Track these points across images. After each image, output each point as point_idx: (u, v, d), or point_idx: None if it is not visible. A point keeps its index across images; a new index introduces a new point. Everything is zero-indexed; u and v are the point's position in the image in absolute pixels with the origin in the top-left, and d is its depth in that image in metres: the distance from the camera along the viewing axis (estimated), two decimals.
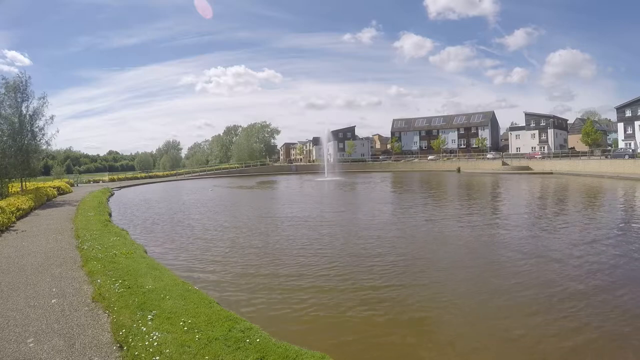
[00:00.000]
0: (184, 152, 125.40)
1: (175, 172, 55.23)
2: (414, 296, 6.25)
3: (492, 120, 75.58)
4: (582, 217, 13.78)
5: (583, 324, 5.11)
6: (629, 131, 52.47)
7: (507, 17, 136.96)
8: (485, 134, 74.11)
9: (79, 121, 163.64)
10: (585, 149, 55.17)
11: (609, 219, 13.17)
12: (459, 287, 6.64)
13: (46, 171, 50.46)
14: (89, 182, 40.18)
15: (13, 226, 12.05)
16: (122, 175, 49.34)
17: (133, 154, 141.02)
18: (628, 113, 52.83)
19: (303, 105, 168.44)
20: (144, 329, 4.17)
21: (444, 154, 70.10)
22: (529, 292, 6.24)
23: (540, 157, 53.07)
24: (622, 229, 11.42)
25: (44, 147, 20.96)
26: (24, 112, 19.34)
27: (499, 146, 76.21)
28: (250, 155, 77.90)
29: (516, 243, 9.68)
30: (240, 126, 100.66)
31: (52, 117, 20.39)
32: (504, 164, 48.29)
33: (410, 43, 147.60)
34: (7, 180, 18.16)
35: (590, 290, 6.27)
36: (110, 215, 15.30)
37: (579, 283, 6.56)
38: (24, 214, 14.33)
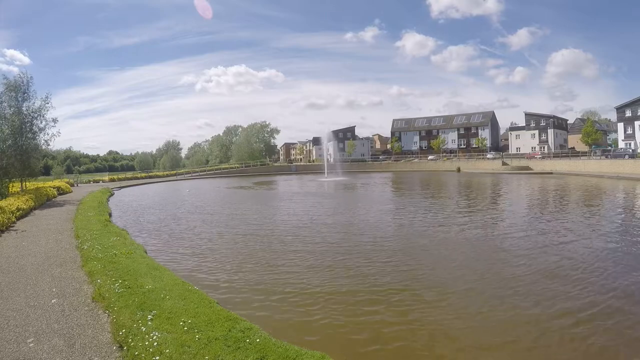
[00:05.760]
0: (184, 152, 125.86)
1: (175, 172, 55.24)
2: (417, 298, 6.21)
3: (492, 120, 75.64)
4: (588, 219, 13.71)
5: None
6: (629, 131, 52.53)
7: (511, 16, 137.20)
8: (485, 134, 74.16)
9: (79, 121, 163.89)
10: (586, 149, 55.19)
11: (614, 221, 13.10)
12: (464, 290, 6.52)
13: (46, 171, 50.62)
14: (89, 182, 40.17)
15: (13, 226, 12.05)
16: (122, 175, 49.34)
17: (133, 154, 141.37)
18: (628, 113, 52.89)
19: (303, 105, 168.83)
20: (144, 329, 4.17)
21: (444, 154, 70.16)
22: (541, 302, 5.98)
23: (540, 157, 53.12)
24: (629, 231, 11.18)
25: (44, 147, 20.91)
26: (25, 112, 19.27)
27: (499, 146, 76.27)
28: (250, 155, 77.94)
29: (525, 248, 9.57)
30: (240, 126, 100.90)
31: (54, 120, 20.18)
32: (503, 164, 48.30)
33: (412, 42, 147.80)
34: (7, 180, 18.14)
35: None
36: (110, 215, 15.30)
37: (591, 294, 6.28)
38: (24, 213, 14.32)
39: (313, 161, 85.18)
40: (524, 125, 69.82)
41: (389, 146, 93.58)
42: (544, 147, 64.40)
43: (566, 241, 9.68)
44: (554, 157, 51.51)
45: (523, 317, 5.36)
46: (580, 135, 61.28)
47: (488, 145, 72.03)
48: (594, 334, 4.83)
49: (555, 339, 4.74)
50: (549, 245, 9.34)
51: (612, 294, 6.07)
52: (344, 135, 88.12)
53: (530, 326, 5.10)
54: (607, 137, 67.92)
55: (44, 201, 18.95)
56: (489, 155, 60.49)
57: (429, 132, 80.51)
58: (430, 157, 68.29)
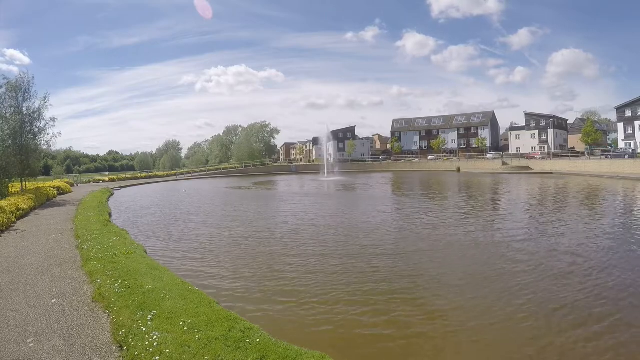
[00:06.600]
0: (184, 152, 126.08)
1: (175, 172, 55.24)
2: (417, 298, 6.20)
3: (492, 120, 75.65)
4: (592, 220, 13.51)
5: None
6: (629, 131, 52.53)
7: (511, 16, 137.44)
8: (485, 134, 74.16)
9: (79, 121, 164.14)
10: (590, 150, 55.16)
11: (618, 222, 12.99)
12: (474, 298, 6.37)
13: (46, 171, 50.64)
14: (89, 182, 40.16)
15: (13, 226, 12.05)
16: (122, 175, 49.33)
17: (133, 154, 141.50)
18: (628, 113, 52.90)
19: (303, 105, 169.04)
20: (144, 329, 4.17)
21: (444, 154, 70.20)
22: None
23: (540, 157, 53.14)
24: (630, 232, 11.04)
25: (44, 147, 20.94)
26: (25, 112, 19.27)
27: (499, 146, 76.28)
28: (250, 155, 77.92)
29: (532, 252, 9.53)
30: (240, 126, 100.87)
31: (53, 119, 20.28)
32: (503, 164, 48.31)
33: (412, 42, 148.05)
34: (7, 180, 18.14)
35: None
36: (110, 215, 15.29)
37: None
38: (24, 213, 14.32)
39: (313, 161, 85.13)
40: (524, 125, 69.81)
41: (389, 146, 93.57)
42: (544, 147, 64.40)
43: (573, 244, 9.44)
44: (554, 157, 51.54)
45: (541, 328, 5.06)
46: (580, 135, 61.32)
47: (488, 145, 72.03)
48: (614, 346, 4.59)
49: (579, 354, 4.49)
50: (556, 248, 9.08)
51: (630, 301, 5.88)
52: (344, 135, 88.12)
53: (553, 337, 4.82)
54: (607, 137, 67.91)
55: (44, 201, 18.95)
56: (489, 155, 60.50)
57: (429, 132, 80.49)
58: (430, 157, 68.31)
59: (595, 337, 4.82)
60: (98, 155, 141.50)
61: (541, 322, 5.22)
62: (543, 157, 52.89)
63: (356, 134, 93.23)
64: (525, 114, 69.94)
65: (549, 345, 4.64)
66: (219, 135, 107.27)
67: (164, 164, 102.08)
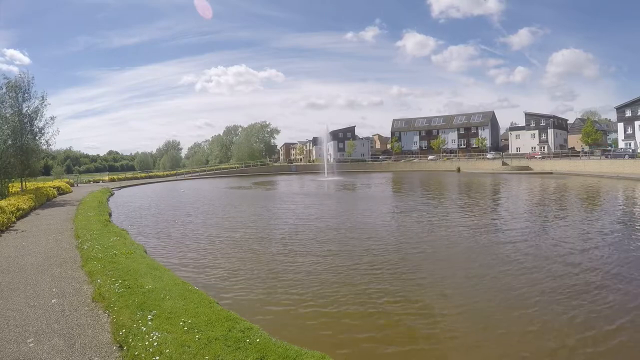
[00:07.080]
0: (184, 152, 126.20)
1: (175, 172, 55.22)
2: (421, 301, 6.17)
3: (492, 120, 75.64)
4: (597, 222, 13.43)
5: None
6: (629, 131, 52.54)
7: (511, 16, 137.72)
8: (485, 134, 74.16)
9: (79, 121, 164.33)
10: (586, 149, 55.18)
11: (623, 223, 12.93)
12: (470, 293, 6.39)
13: (46, 171, 50.59)
14: (89, 182, 40.14)
15: (13, 226, 12.04)
16: (122, 175, 49.30)
17: (133, 154, 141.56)
18: (628, 113, 52.91)
19: (303, 105, 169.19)
20: (144, 329, 4.17)
21: (444, 154, 70.20)
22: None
23: (540, 157, 53.14)
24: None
25: (44, 147, 20.94)
26: (25, 111, 19.28)
27: (499, 146, 76.28)
28: (250, 155, 77.91)
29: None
30: (240, 126, 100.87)
31: (52, 118, 20.38)
32: (503, 164, 48.31)
33: (412, 42, 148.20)
34: (7, 180, 18.14)
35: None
36: (110, 215, 15.28)
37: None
38: (24, 213, 14.31)
39: (313, 161, 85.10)
40: (524, 125, 69.82)
41: (389, 146, 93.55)
42: (544, 147, 64.40)
43: (580, 246, 9.30)
44: (554, 157, 51.54)
45: (549, 334, 4.94)
46: (581, 135, 61.34)
47: (488, 145, 72.03)
48: (624, 351, 4.52)
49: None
50: (563, 250, 8.93)
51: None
52: (344, 135, 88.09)
53: (562, 341, 4.74)
54: (607, 137, 67.91)
55: (44, 201, 18.94)
56: (489, 155, 60.51)
57: (429, 132, 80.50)
58: (430, 157, 68.31)
59: (605, 340, 4.75)
60: (98, 155, 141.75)
61: (549, 327, 5.13)
62: (543, 157, 52.89)
63: (356, 134, 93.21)
64: (525, 114, 69.96)
65: (558, 350, 4.58)
66: (219, 135, 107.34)
67: (164, 164, 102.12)
